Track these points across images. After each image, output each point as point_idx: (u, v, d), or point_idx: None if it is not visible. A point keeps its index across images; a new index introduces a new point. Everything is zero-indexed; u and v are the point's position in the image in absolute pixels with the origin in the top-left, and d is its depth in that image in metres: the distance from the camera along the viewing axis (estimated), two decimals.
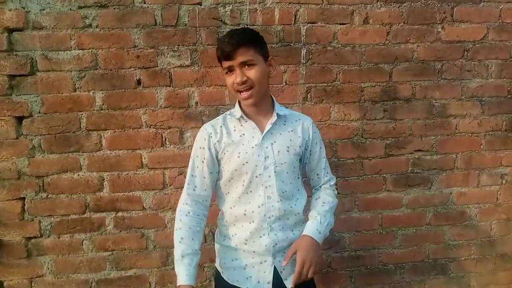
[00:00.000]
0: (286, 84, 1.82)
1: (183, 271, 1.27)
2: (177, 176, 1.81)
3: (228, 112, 1.44)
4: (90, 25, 1.67)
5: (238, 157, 1.34)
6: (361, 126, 1.89)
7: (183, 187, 1.80)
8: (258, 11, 1.75)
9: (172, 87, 1.76)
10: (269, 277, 1.34)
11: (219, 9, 1.73)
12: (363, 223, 1.98)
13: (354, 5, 1.80)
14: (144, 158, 1.79)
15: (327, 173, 1.51)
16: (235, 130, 1.38)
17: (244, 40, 1.28)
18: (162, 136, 1.78)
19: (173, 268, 1.82)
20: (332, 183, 1.51)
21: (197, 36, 1.73)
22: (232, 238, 1.39)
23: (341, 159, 1.91)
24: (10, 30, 1.63)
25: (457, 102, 1.94)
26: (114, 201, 1.80)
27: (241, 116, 1.37)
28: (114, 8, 1.67)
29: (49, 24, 1.65)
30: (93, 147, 1.75)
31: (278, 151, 1.36)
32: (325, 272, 1.98)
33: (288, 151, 1.37)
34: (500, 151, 2.01)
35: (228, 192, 1.39)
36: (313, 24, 1.80)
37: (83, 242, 1.81)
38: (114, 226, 1.82)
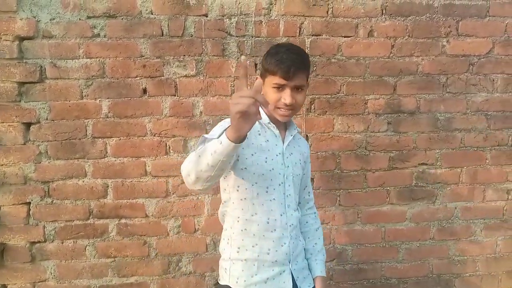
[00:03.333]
0: None
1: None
2: (180, 184, 1.82)
3: None
4: (98, 35, 1.71)
5: (266, 162, 1.29)
6: (364, 138, 1.89)
7: (186, 196, 1.84)
8: (263, 23, 1.78)
9: (177, 96, 1.78)
10: (289, 285, 1.31)
11: (225, 20, 1.76)
12: (366, 236, 1.97)
13: (359, 18, 1.82)
14: (148, 166, 1.81)
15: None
16: (259, 134, 1.32)
17: (304, 64, 1.28)
18: (166, 144, 1.80)
19: (174, 276, 1.86)
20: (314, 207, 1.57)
21: (203, 46, 1.76)
22: (253, 248, 1.29)
23: (344, 171, 1.91)
24: (21, 39, 1.67)
25: (462, 116, 1.93)
26: (117, 208, 1.82)
27: (269, 122, 1.33)
28: (122, 19, 1.71)
29: (59, 33, 1.69)
30: (98, 154, 1.78)
31: (295, 163, 1.37)
32: (327, 285, 1.96)
33: (300, 164, 1.40)
34: (506, 166, 1.99)
35: (249, 198, 1.30)
36: (318, 37, 1.81)
37: (86, 248, 1.82)
38: (117, 233, 1.83)
